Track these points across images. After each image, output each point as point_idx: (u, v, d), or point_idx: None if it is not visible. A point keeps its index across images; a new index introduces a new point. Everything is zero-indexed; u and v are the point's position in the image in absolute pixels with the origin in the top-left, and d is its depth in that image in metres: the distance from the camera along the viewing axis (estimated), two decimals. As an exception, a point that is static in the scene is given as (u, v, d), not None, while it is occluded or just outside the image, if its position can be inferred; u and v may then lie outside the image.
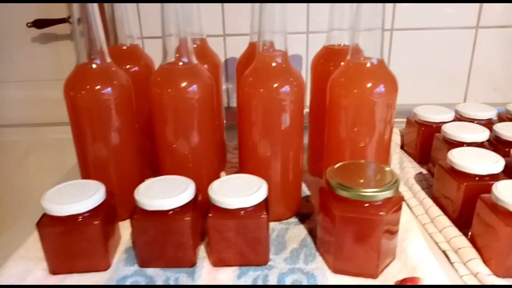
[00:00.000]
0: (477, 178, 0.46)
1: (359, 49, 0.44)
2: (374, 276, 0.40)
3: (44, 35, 0.88)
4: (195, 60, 0.47)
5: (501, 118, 0.66)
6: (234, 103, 0.83)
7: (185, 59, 0.46)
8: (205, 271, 0.41)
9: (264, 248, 0.42)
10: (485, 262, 0.41)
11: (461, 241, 0.44)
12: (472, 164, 0.46)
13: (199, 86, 0.46)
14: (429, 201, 0.51)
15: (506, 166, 0.48)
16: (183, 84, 0.45)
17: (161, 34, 0.45)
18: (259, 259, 0.42)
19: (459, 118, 0.64)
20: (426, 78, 0.79)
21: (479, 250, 0.43)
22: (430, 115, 0.62)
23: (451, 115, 0.62)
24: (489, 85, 0.79)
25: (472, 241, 0.44)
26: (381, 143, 0.46)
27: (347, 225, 0.39)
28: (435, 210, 0.49)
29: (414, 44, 0.77)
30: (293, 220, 0.50)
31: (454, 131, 0.56)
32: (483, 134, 0.55)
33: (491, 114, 0.63)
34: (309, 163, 0.61)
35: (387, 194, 0.38)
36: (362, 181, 0.39)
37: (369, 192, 0.38)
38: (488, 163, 0.47)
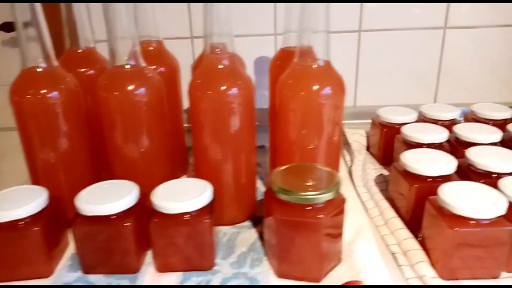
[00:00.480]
0: (429, 180, 0.46)
1: (306, 51, 0.44)
2: (317, 279, 0.39)
3: (14, 38, 0.88)
4: (143, 63, 0.46)
5: (467, 119, 0.66)
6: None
7: (132, 62, 0.45)
8: (148, 277, 0.41)
9: (208, 253, 0.41)
10: (432, 264, 0.41)
11: (411, 243, 0.44)
12: (424, 166, 0.46)
13: (147, 89, 0.45)
14: (384, 203, 0.51)
15: (459, 167, 0.48)
16: (130, 87, 0.45)
17: (107, 37, 0.44)
18: (204, 264, 0.42)
19: (423, 119, 0.64)
20: (396, 79, 0.79)
21: (427, 252, 0.42)
22: (392, 116, 0.62)
23: (413, 116, 0.62)
24: (459, 85, 0.79)
25: (422, 244, 0.43)
26: (330, 145, 0.46)
27: (288, 229, 0.38)
28: (389, 212, 0.49)
29: (383, 45, 0.77)
30: (247, 223, 0.49)
31: (413, 132, 0.55)
32: (441, 135, 0.54)
33: (455, 114, 0.63)
34: (271, 165, 0.61)
35: (326, 196, 0.37)
36: (303, 184, 0.39)
37: (308, 195, 0.37)
38: (441, 164, 0.46)
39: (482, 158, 0.47)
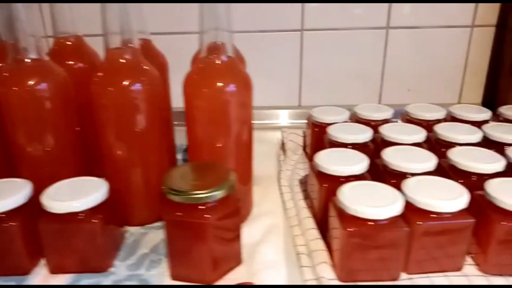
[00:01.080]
0: (341, 180, 0.45)
1: (210, 47, 0.42)
2: (211, 281, 0.38)
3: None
4: (46, 57, 0.45)
5: (402, 119, 0.65)
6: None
7: (33, 55, 0.44)
8: (39, 278, 0.39)
9: (101, 254, 0.40)
10: (334, 265, 0.40)
11: (317, 244, 0.43)
12: (335, 166, 0.45)
13: (50, 84, 0.44)
14: (302, 203, 0.50)
15: (375, 167, 0.47)
16: (30, 82, 0.43)
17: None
18: (99, 265, 0.40)
19: (356, 119, 0.63)
20: (340, 79, 0.79)
21: (332, 253, 0.41)
22: (323, 116, 0.61)
23: (344, 116, 0.61)
24: (403, 86, 0.79)
25: (329, 245, 0.42)
26: (239, 144, 0.45)
27: (177, 230, 0.37)
28: (304, 212, 0.48)
29: (326, 45, 0.76)
30: (157, 224, 0.48)
31: (337, 132, 0.54)
32: (364, 135, 0.54)
33: (387, 115, 0.62)
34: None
35: (214, 196, 0.36)
36: (193, 183, 0.38)
37: (194, 194, 0.36)
38: (353, 164, 0.45)
39: (398, 158, 0.46)
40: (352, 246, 0.38)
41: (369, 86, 0.79)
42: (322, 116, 0.61)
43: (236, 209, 0.39)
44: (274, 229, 0.46)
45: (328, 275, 0.39)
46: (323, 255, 0.41)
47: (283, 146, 0.67)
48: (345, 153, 0.48)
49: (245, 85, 0.43)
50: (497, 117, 0.64)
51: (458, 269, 0.40)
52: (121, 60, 0.43)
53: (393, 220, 0.37)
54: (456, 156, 0.47)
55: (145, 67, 0.44)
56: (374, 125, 0.58)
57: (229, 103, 0.42)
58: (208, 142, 0.44)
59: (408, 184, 0.41)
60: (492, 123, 0.57)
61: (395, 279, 0.39)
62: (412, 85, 0.79)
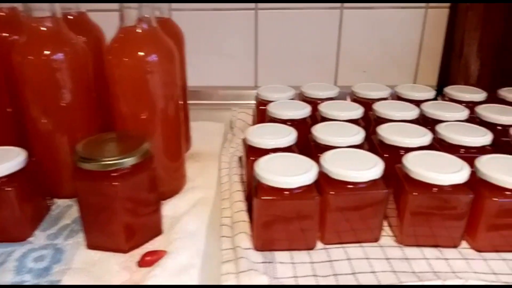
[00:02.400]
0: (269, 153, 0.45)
1: (131, 15, 0.42)
2: (124, 250, 0.38)
3: None
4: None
5: (351, 98, 0.65)
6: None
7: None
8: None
9: (19, 223, 0.39)
10: (252, 236, 0.40)
11: (240, 215, 0.43)
12: (262, 139, 0.45)
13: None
14: (235, 177, 0.50)
15: (304, 142, 0.48)
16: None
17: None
18: (17, 234, 0.40)
19: (304, 98, 0.63)
20: (297, 60, 0.78)
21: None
22: (268, 93, 0.61)
23: (288, 94, 0.61)
24: (358, 67, 0.79)
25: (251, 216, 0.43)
26: (165, 119, 0.44)
27: (88, 197, 0.37)
28: (236, 186, 0.48)
29: (281, 25, 0.76)
30: (86, 196, 0.48)
31: (276, 108, 0.55)
32: (303, 111, 0.54)
33: (332, 93, 0.62)
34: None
35: (124, 163, 0.36)
36: (104, 151, 0.37)
37: (103, 161, 0.36)
38: (281, 137, 0.46)
39: (328, 133, 0.46)
40: (267, 216, 0.38)
41: (325, 67, 0.79)
42: (266, 94, 0.61)
43: (151, 178, 0.38)
44: (203, 202, 0.46)
45: (245, 245, 0.39)
46: (244, 225, 0.42)
47: (231, 125, 0.67)
48: (275, 128, 0.48)
49: (168, 56, 0.43)
50: (443, 97, 0.65)
51: (375, 240, 0.41)
52: (42, 29, 0.42)
53: (305, 189, 0.38)
54: (385, 131, 0.47)
55: (69, 37, 0.43)
56: (319, 103, 0.58)
57: (150, 73, 0.42)
58: (130, 114, 0.43)
59: (326, 156, 0.41)
60: (431, 102, 0.57)
61: (311, 249, 0.40)
62: (367, 66, 0.79)
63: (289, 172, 0.38)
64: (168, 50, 0.43)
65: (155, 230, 0.41)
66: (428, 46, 0.77)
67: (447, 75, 0.75)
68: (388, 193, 0.39)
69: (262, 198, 0.37)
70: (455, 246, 0.40)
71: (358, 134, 0.46)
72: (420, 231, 0.40)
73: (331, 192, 0.38)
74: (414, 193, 0.38)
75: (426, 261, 0.38)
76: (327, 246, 0.40)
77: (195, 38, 0.76)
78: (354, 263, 0.38)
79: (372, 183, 0.39)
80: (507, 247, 0.39)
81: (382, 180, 0.39)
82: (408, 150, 0.44)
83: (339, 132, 0.47)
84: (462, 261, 0.38)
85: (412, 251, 0.39)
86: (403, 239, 0.40)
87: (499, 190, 0.38)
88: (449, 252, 0.39)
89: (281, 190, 0.37)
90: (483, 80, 0.70)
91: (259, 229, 0.39)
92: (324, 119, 0.54)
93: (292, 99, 0.61)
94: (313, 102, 0.59)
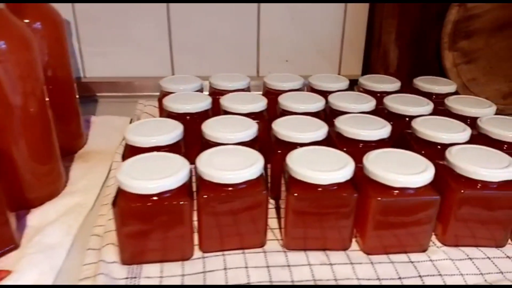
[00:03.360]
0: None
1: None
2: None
3: None
4: None
5: (263, 90, 0.62)
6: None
7: None
8: None
9: None
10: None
11: (112, 224, 0.38)
12: (139, 136, 0.41)
13: None
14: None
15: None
16: None
17: None
18: None
19: (213, 90, 0.59)
20: (215, 49, 0.74)
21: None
22: (171, 85, 0.56)
23: (194, 86, 0.56)
24: (280, 57, 0.75)
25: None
26: (26, 116, 0.39)
27: None
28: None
29: (197, 14, 0.71)
30: None
31: (172, 102, 0.50)
32: (202, 104, 0.49)
33: (241, 84, 0.58)
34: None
35: None
36: None
37: None
38: (163, 133, 0.41)
39: (210, 128, 0.42)
40: (131, 225, 0.34)
41: (245, 56, 0.75)
42: (168, 85, 0.56)
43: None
44: (77, 209, 0.41)
45: (110, 258, 0.35)
46: (111, 236, 0.37)
47: (138, 120, 0.62)
48: (157, 122, 0.44)
49: (22, 44, 0.37)
50: (358, 88, 0.62)
51: (261, 245, 0.37)
52: None
53: (251, 183, 0.34)
54: (279, 125, 0.43)
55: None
56: (224, 93, 0.54)
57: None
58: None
59: (203, 157, 0.37)
60: (339, 93, 0.54)
61: (186, 259, 0.36)
62: (290, 56, 0.75)
63: (154, 176, 0.33)
64: (21, 37, 0.37)
65: (5, 244, 0.35)
66: (350, 35, 0.74)
67: (368, 64, 0.73)
68: (267, 194, 0.36)
69: (119, 207, 0.33)
70: (345, 249, 0.37)
71: (250, 129, 0.42)
72: (305, 233, 0.37)
73: (204, 196, 0.34)
74: (294, 194, 0.35)
75: (309, 267, 0.35)
76: (206, 255, 0.36)
77: (101, 27, 0.70)
78: (230, 273, 0.34)
79: (251, 184, 0.35)
80: (395, 249, 0.37)
81: (262, 179, 0.36)
82: (303, 145, 0.41)
83: (233, 126, 0.43)
84: (348, 266, 0.35)
85: (296, 257, 0.36)
86: (288, 243, 0.37)
87: (385, 189, 0.35)
88: (336, 256, 0.36)
89: (147, 196, 0.33)
90: (403, 69, 0.68)
91: (123, 240, 0.34)
92: (225, 112, 0.50)
93: (198, 90, 0.57)
94: (219, 93, 0.55)
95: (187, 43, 0.73)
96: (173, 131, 0.41)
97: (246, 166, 0.35)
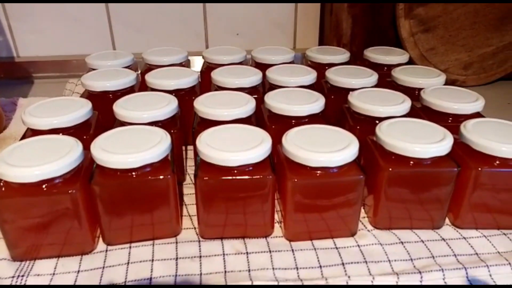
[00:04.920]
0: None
1: None
2: None
3: None
4: None
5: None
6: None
7: None
8: None
9: None
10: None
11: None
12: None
13: None
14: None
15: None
16: None
17: None
18: None
19: (149, 65, 0.54)
20: (161, 24, 0.69)
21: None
22: (94, 61, 0.51)
23: (123, 61, 0.52)
24: (230, 30, 0.71)
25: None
26: None
27: None
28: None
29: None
30: None
31: (89, 79, 0.45)
32: (125, 80, 0.45)
33: (175, 59, 0.53)
34: None
35: None
36: None
37: None
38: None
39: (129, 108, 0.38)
40: (18, 219, 0.30)
41: (193, 30, 0.70)
42: (94, 62, 0.51)
43: None
44: None
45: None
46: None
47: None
48: (59, 102, 0.39)
49: None
50: (306, 61, 0.58)
51: (174, 234, 0.34)
52: None
53: (64, 181, 0.30)
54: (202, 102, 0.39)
55: None
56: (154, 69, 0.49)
57: None
58: None
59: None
60: (279, 66, 0.50)
61: (87, 253, 0.32)
62: (241, 29, 0.71)
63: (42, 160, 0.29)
64: None
65: None
66: (304, 5, 0.70)
67: (322, 36, 0.69)
68: (170, 180, 0.32)
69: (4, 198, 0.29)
70: (266, 236, 0.34)
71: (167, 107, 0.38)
72: (222, 220, 0.33)
73: (99, 183, 0.30)
74: (204, 178, 0.31)
75: (221, 257, 0.32)
76: (110, 249, 0.33)
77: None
78: (132, 268, 0.31)
79: (154, 167, 0.31)
80: (321, 234, 0.34)
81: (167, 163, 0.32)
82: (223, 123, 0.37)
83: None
84: (266, 254, 0.32)
85: (211, 246, 0.33)
86: (202, 231, 0.34)
87: (303, 169, 0.31)
88: (255, 245, 0.33)
89: (33, 185, 0.29)
90: (357, 40, 0.64)
91: (11, 235, 0.30)
92: (152, 89, 0.45)
93: (128, 67, 0.52)
94: (149, 69, 0.51)
95: (129, 18, 0.68)
96: (78, 111, 0.37)
97: (149, 147, 0.31)
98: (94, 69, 0.50)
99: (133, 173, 0.30)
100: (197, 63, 0.61)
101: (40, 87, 0.65)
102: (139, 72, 0.55)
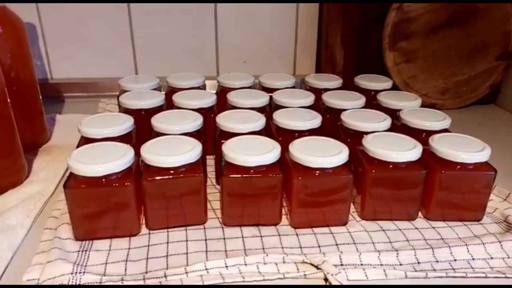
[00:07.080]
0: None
1: None
2: None
3: None
4: None
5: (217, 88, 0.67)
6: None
7: None
8: None
9: None
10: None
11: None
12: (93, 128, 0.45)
13: None
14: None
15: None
16: None
17: None
18: None
19: (171, 87, 0.63)
20: (176, 53, 0.78)
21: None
22: (127, 84, 0.61)
23: (151, 84, 0.61)
24: (238, 58, 0.81)
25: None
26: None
27: None
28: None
29: (157, 18, 0.76)
30: None
31: (127, 98, 0.54)
32: (154, 100, 0.54)
33: (197, 82, 0.63)
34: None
35: None
36: None
37: None
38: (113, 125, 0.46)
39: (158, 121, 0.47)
40: (85, 207, 0.38)
41: (205, 59, 0.80)
42: (127, 84, 0.61)
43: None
44: (37, 196, 0.45)
45: (64, 235, 0.39)
46: (65, 217, 0.41)
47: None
48: (110, 117, 0.48)
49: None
50: (305, 86, 0.68)
51: (202, 222, 0.42)
52: None
53: (120, 176, 0.38)
54: (221, 119, 0.48)
55: None
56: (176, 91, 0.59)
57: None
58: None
59: (146, 146, 0.42)
60: (283, 90, 0.60)
61: (134, 235, 0.40)
62: (247, 57, 0.81)
63: (103, 160, 0.38)
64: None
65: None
66: (303, 37, 0.80)
67: (319, 65, 0.79)
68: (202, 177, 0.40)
69: (72, 188, 0.37)
70: (276, 224, 0.43)
71: (195, 120, 0.47)
72: (240, 211, 0.42)
73: (148, 178, 0.39)
74: (229, 176, 0.40)
75: (240, 239, 0.40)
76: (152, 232, 0.41)
77: (65, 31, 0.74)
78: (171, 246, 0.39)
79: (189, 168, 0.40)
80: (319, 223, 0.42)
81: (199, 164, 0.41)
82: (241, 134, 0.46)
83: (176, 119, 0.47)
84: (276, 237, 0.41)
85: (232, 231, 0.41)
86: (225, 220, 0.42)
87: (305, 170, 0.40)
88: (267, 230, 0.42)
89: (96, 179, 0.38)
90: (348, 69, 0.74)
91: (76, 219, 0.39)
92: (176, 107, 0.54)
93: (155, 89, 0.61)
94: (173, 91, 0.60)
95: (150, 46, 0.77)
96: (123, 124, 0.46)
97: (185, 152, 0.40)
98: (126, 91, 0.60)
99: (173, 171, 0.39)
100: (210, 86, 0.71)
101: (71, 105, 0.74)
102: (164, 93, 0.64)
